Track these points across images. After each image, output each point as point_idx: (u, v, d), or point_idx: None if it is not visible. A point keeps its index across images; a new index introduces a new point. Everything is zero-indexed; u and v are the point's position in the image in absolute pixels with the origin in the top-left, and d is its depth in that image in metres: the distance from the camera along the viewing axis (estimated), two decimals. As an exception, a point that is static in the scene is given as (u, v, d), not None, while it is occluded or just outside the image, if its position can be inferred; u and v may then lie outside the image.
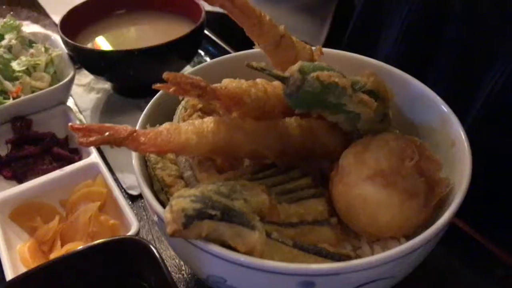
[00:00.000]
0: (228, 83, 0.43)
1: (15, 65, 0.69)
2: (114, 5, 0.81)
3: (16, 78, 0.68)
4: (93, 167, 0.61)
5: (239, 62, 0.56)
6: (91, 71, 0.76)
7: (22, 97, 0.67)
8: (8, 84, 0.67)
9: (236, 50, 0.85)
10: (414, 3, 0.76)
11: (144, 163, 0.45)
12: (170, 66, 0.75)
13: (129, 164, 0.66)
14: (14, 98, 0.67)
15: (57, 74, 0.72)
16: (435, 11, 0.75)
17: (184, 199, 0.36)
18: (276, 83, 0.48)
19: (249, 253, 0.36)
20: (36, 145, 0.66)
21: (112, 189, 0.58)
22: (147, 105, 0.75)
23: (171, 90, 0.38)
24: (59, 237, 0.55)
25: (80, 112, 0.77)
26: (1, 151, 0.66)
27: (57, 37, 0.78)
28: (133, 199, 0.63)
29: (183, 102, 0.49)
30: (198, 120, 0.42)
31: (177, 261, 0.54)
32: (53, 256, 0.53)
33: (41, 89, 0.69)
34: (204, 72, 0.53)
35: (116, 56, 0.72)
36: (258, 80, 0.47)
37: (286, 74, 0.40)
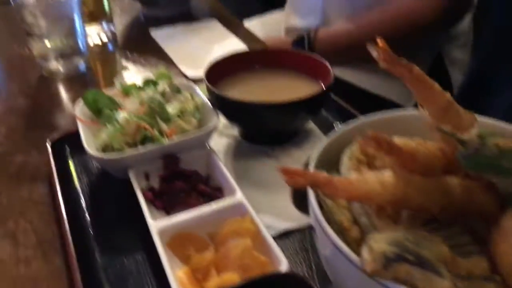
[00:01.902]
0: (400, 141, 0.49)
1: (169, 108, 0.78)
2: (250, 61, 0.90)
3: (170, 120, 0.77)
4: (240, 205, 0.67)
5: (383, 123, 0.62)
6: (229, 118, 0.84)
7: (175, 138, 0.75)
8: (163, 125, 0.76)
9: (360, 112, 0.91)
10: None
11: (319, 207, 0.50)
12: (297, 120, 0.83)
13: (265, 204, 0.72)
14: (168, 138, 0.75)
15: (201, 119, 0.81)
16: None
17: (380, 241, 0.40)
18: (433, 143, 0.53)
19: (437, 299, 0.39)
20: (183, 181, 0.73)
21: (259, 227, 0.63)
22: (274, 152, 0.82)
23: (369, 144, 0.43)
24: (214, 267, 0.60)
25: (214, 154, 0.85)
26: (155, 184, 0.73)
27: (195, 87, 0.87)
28: (270, 239, 0.68)
29: (347, 153, 0.55)
30: (377, 172, 0.47)
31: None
32: (210, 284, 0.58)
33: (189, 132, 0.77)
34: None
35: (253, 107, 0.80)
36: (418, 140, 0.52)
37: (466, 137, 0.45)
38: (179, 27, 1.33)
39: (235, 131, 0.90)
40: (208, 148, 0.78)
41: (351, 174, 0.50)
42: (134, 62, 1.16)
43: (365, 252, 0.40)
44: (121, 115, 0.75)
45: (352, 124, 0.61)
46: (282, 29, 1.78)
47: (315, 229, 0.50)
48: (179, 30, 1.31)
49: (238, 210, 0.66)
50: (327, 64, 0.85)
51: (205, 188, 0.73)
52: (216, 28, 1.34)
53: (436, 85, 0.50)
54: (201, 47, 1.23)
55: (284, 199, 0.67)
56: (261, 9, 1.94)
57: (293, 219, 0.70)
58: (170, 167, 0.74)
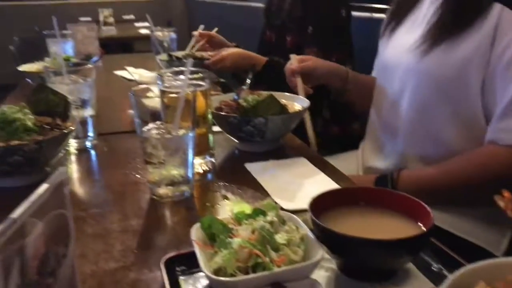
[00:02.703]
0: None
1: (278, 238, 0.84)
2: (353, 197, 0.96)
3: (278, 250, 0.82)
4: None
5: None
6: (332, 251, 0.88)
7: (283, 267, 0.79)
8: (273, 254, 0.81)
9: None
10: None
11: None
12: (399, 259, 0.85)
13: None
14: (277, 266, 0.79)
15: (305, 250, 0.85)
16: None
17: None
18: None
19: None
20: (290, 311, 0.75)
21: None
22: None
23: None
24: None
25: None
26: (263, 311, 0.76)
27: (298, 219, 0.93)
28: None
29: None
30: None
31: None
32: None
33: (296, 262, 0.81)
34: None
35: (360, 242, 0.83)
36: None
37: None
38: (271, 162, 1.44)
39: (333, 264, 0.93)
40: (313, 279, 0.81)
41: (483, 317, 0.51)
42: (232, 192, 1.26)
43: None
44: (236, 241, 0.81)
45: (468, 269, 0.63)
46: (359, 167, 1.87)
47: None
48: (271, 165, 1.43)
49: None
50: (427, 207, 0.89)
51: (312, 320, 0.74)
52: (305, 164, 1.45)
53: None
54: (293, 181, 1.33)
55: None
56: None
57: None
58: (278, 296, 0.77)
